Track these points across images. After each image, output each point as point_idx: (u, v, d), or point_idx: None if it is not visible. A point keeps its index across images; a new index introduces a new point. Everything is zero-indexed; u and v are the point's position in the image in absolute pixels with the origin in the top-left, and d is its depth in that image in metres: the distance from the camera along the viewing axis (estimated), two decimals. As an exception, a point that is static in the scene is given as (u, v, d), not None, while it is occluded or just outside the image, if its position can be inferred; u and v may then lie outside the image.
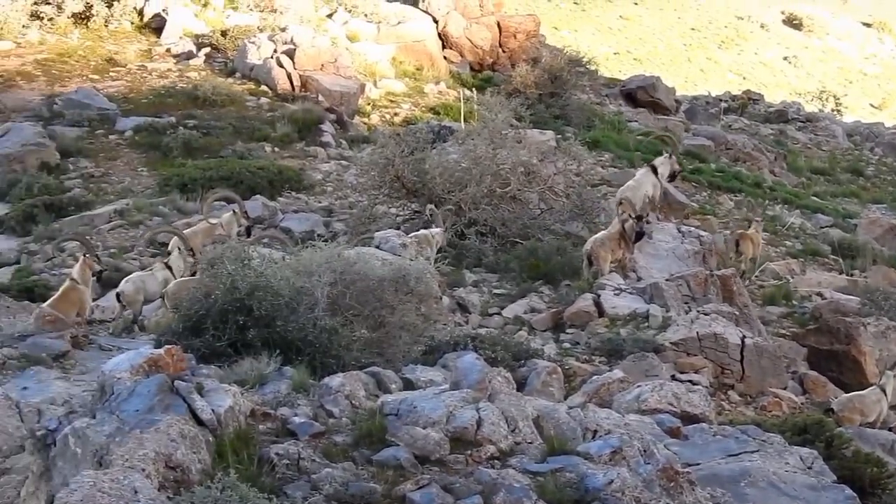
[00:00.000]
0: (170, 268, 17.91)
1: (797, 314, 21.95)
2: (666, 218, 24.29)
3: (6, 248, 23.45)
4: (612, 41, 76.06)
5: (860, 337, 20.48)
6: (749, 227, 23.76)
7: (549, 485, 8.08)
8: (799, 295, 23.18)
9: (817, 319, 21.31)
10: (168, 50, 37.79)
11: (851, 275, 26.41)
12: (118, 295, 17.79)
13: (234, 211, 20.64)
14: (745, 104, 51.06)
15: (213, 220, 20.37)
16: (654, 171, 22.92)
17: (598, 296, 18.60)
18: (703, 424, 11.38)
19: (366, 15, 42.13)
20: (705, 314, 17.51)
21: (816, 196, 36.54)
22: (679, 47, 77.67)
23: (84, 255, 17.22)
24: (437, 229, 19.83)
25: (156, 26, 39.49)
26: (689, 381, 14.93)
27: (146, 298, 17.67)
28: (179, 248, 18.36)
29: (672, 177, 23.83)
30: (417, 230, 20.42)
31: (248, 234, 20.18)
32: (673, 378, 15.11)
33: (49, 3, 38.54)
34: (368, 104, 36.17)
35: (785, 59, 79.76)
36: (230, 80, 35.36)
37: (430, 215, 20.58)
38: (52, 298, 16.96)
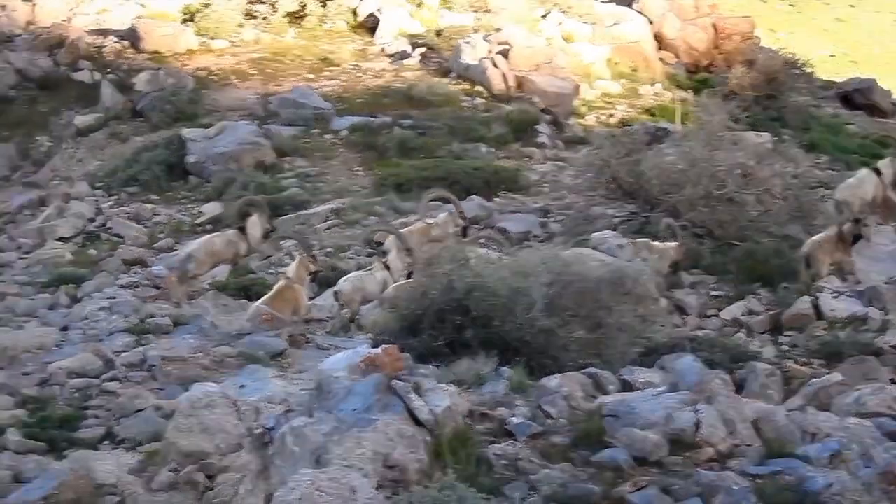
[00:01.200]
0: (388, 267, 18.07)
1: None
2: (885, 221, 23.43)
3: (223, 247, 24.00)
4: (827, 43, 73.95)
5: None
6: None
7: (769, 487, 8.02)
8: None
9: None
10: (382, 49, 38.30)
11: None
12: (336, 294, 18.04)
13: (450, 211, 20.72)
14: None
15: (430, 220, 20.48)
16: (878, 173, 22.21)
17: (817, 298, 18.18)
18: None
19: (581, 16, 41.88)
20: (925, 318, 16.90)
21: None
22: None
23: (301, 255, 17.51)
24: (672, 243, 19.61)
25: (370, 26, 40.05)
26: (909, 385, 14.36)
27: (364, 298, 17.86)
28: (397, 248, 18.51)
29: (896, 181, 23.00)
30: (635, 232, 20.21)
31: (465, 235, 20.24)
32: (892, 381, 14.60)
33: (264, 3, 39.57)
34: (584, 105, 35.85)
35: None
36: (445, 80, 35.50)
37: (668, 229, 20.23)
38: (266, 296, 17.31)
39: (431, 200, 21.66)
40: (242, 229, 21.23)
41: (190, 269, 20.76)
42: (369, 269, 18.38)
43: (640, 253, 18.47)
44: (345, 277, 18.40)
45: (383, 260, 18.36)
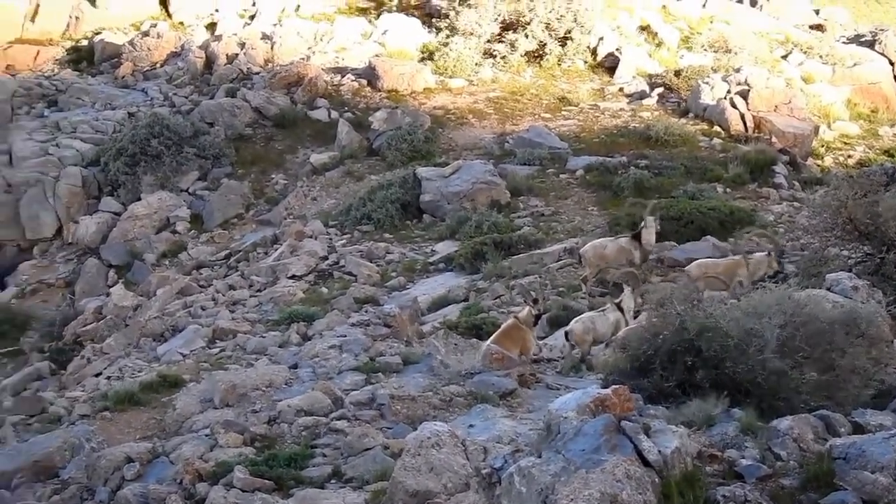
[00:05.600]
0: (621, 309, 18.00)
1: None
2: None
3: (455, 285, 24.33)
4: None
5: None
6: None
7: None
8: None
9: None
10: (621, 89, 38.58)
11: None
12: (567, 334, 18.06)
13: (769, 253, 20.65)
14: None
15: (739, 256, 20.52)
16: None
17: None
18: None
19: (821, 56, 41.67)
20: None
21: None
22: None
23: (529, 304, 17.62)
24: None
25: (609, 66, 40.43)
26: None
27: (595, 339, 17.83)
28: (631, 288, 18.45)
29: None
30: (871, 273, 19.79)
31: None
32: None
33: (502, 42, 40.10)
34: (822, 146, 35.95)
35: None
36: (683, 120, 35.64)
37: None
38: (494, 335, 17.43)
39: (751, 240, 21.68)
40: (637, 236, 21.99)
41: (579, 272, 21.99)
42: (602, 310, 18.32)
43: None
44: (577, 318, 18.39)
45: (616, 300, 18.28)
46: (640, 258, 22.01)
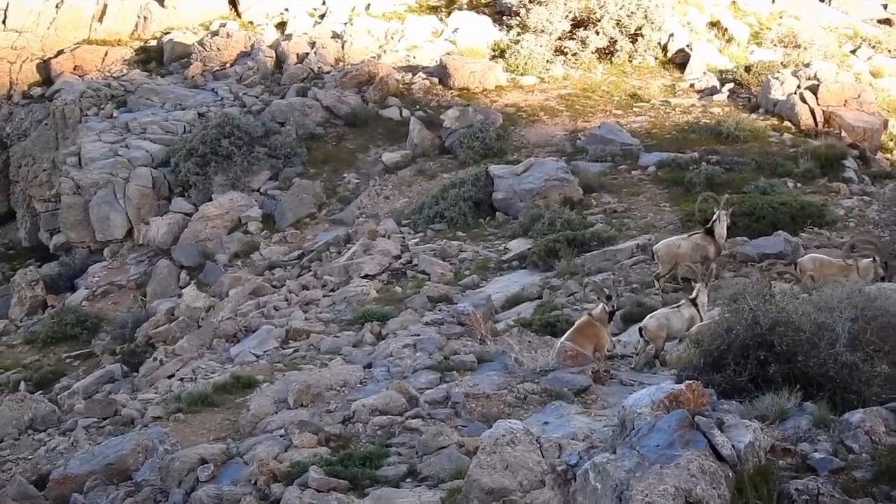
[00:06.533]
0: (696, 305, 18.03)
1: None
2: None
3: (529, 283, 24.43)
4: None
5: None
6: None
7: None
8: None
9: None
10: (692, 85, 38.52)
11: None
12: (641, 330, 18.13)
13: (874, 259, 20.64)
14: None
15: (849, 262, 20.50)
16: None
17: None
18: None
19: (890, 51, 41.51)
20: None
21: None
22: None
23: (602, 301, 17.71)
24: None
25: (679, 62, 40.36)
26: None
27: (669, 335, 17.88)
28: (703, 284, 18.47)
29: None
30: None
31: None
32: None
33: (573, 39, 40.12)
34: (891, 140, 35.89)
35: None
36: (753, 115, 35.57)
37: None
38: (568, 332, 17.53)
39: (853, 245, 21.65)
40: (710, 231, 22.19)
41: (653, 269, 22.34)
42: (676, 306, 18.36)
43: None
44: (651, 314, 18.46)
45: (690, 296, 18.31)
46: (714, 253, 22.01)
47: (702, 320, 17.28)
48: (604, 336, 17.60)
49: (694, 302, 18.07)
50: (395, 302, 24.20)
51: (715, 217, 22.21)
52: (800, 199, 27.53)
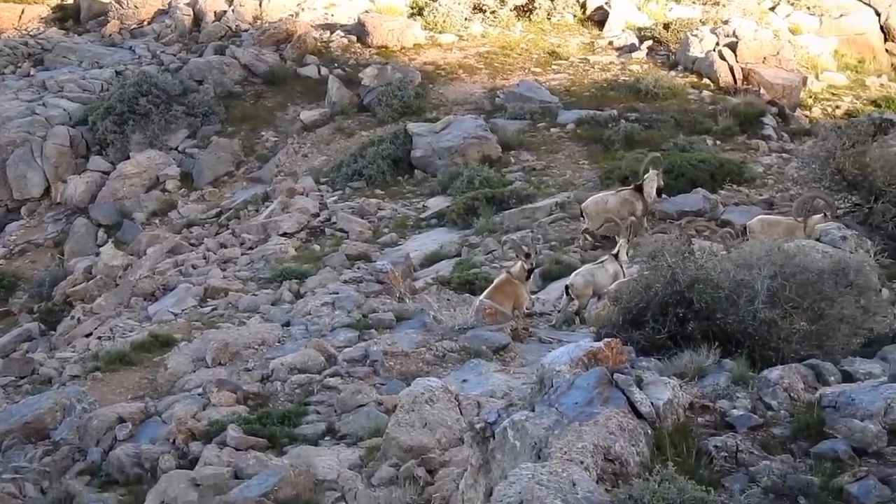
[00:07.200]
0: (619, 260, 18.04)
1: None
2: None
3: (448, 241, 24.34)
4: None
5: None
6: None
7: None
8: None
9: None
10: (610, 43, 38.44)
11: None
12: (567, 287, 18.11)
13: (825, 214, 20.67)
14: None
15: (799, 220, 20.47)
16: None
17: None
18: None
19: (808, 8, 41.64)
20: None
21: None
22: None
23: (521, 259, 17.61)
24: None
25: (598, 19, 40.28)
26: None
27: (595, 291, 17.89)
28: (624, 240, 18.49)
29: None
30: (859, 223, 20.02)
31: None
32: None
33: (492, -4, 39.93)
34: (810, 97, 36.00)
35: None
36: (672, 73, 35.60)
37: None
38: (487, 290, 17.47)
39: (805, 202, 21.63)
40: (639, 188, 22.29)
41: (581, 225, 22.29)
42: (601, 262, 18.37)
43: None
44: (576, 271, 18.47)
45: (613, 252, 18.31)
46: (642, 211, 22.10)
47: (624, 277, 17.27)
48: (522, 294, 17.54)
49: (616, 257, 18.08)
50: (314, 260, 23.99)
51: (647, 176, 22.29)
52: (719, 157, 27.69)
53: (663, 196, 23.66)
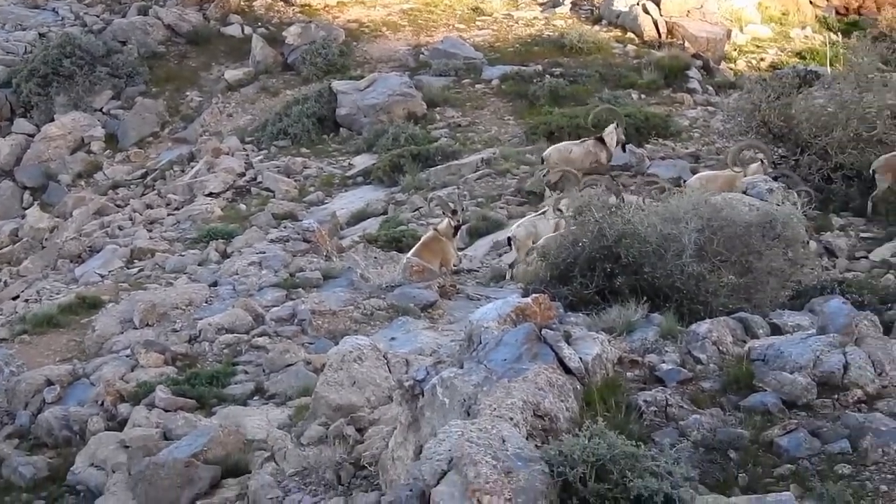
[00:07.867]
0: (561, 211, 18.00)
1: None
2: None
3: (374, 199, 24.24)
4: None
5: None
6: None
7: (917, 427, 7.90)
8: None
9: None
10: (534, -2, 38.24)
11: None
12: (510, 239, 18.08)
13: (761, 161, 20.66)
14: None
15: (737, 170, 20.37)
16: None
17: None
18: None
19: None
20: None
21: None
22: None
23: (448, 216, 17.52)
24: None
25: (521, -26, 40.00)
26: None
27: (536, 241, 17.82)
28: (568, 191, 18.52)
29: None
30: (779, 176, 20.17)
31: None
32: None
33: (415, -48, 39.56)
34: (734, 50, 36.07)
35: None
36: (596, 27, 35.58)
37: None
38: (414, 247, 17.38)
39: (742, 150, 21.57)
40: (601, 139, 22.48)
41: (542, 176, 22.16)
42: (541, 213, 18.32)
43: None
44: (518, 222, 18.43)
45: (554, 203, 18.23)
46: (606, 159, 22.45)
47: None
48: (450, 251, 17.46)
49: (559, 208, 18.01)
50: (240, 220, 23.80)
51: (607, 129, 22.54)
52: (644, 111, 27.76)
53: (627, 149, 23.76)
